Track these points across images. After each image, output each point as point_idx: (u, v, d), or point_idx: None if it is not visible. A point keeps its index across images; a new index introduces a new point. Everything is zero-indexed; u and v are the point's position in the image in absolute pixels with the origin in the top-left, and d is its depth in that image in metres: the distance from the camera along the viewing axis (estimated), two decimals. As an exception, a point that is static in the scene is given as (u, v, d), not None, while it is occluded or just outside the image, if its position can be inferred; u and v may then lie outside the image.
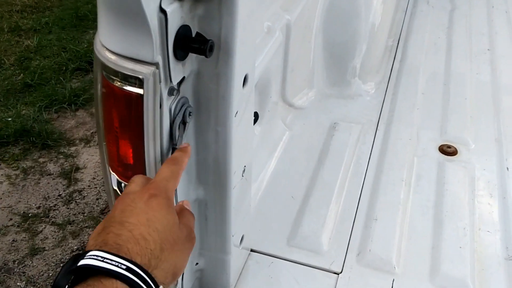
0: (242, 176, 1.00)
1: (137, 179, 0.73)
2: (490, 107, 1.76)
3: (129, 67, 0.71)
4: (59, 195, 3.01)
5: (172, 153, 0.81)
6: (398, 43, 2.13)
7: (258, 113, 1.37)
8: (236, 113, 0.86)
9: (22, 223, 2.81)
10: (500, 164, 1.51)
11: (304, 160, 1.50)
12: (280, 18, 1.45)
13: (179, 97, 0.81)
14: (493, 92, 1.84)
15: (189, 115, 0.83)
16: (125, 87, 0.73)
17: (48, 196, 2.99)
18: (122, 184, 0.84)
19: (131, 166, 0.81)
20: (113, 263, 0.56)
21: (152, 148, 0.76)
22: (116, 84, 0.73)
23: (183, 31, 0.73)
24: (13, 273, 2.56)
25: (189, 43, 0.74)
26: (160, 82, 0.73)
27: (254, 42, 0.89)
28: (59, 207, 2.93)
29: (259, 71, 1.30)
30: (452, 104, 1.76)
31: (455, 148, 1.56)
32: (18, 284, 2.52)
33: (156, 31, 0.68)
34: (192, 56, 0.78)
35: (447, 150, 1.55)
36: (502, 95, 1.83)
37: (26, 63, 4.17)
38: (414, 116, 1.69)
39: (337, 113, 1.70)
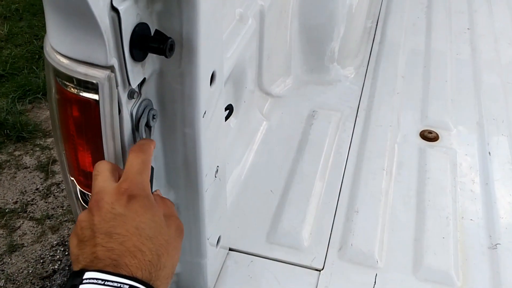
0: (215, 177, 0.95)
1: (103, 170, 0.67)
2: (471, 89, 1.73)
3: (82, 71, 0.65)
4: (37, 189, 2.93)
5: None
6: (377, 24, 2.08)
7: (233, 105, 1.32)
8: (205, 113, 0.81)
9: (-1, 219, 2.74)
10: (482, 149, 1.48)
11: (283, 151, 1.45)
12: (253, 4, 1.38)
13: (140, 99, 0.75)
14: (473, 73, 1.81)
15: (153, 118, 0.77)
16: (79, 93, 0.67)
17: (25, 190, 2.92)
18: (87, 195, 0.78)
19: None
20: (115, 284, 0.53)
21: (112, 156, 0.71)
22: (70, 90, 0.67)
23: (140, 29, 0.67)
24: (-8, 272, 2.50)
25: (147, 42, 0.68)
26: (117, 86, 0.67)
27: (222, 36, 0.83)
28: (37, 201, 2.86)
29: (232, 61, 1.24)
30: (433, 87, 1.73)
31: (437, 134, 1.53)
32: (-3, 282, 2.46)
33: (109, 32, 0.62)
34: (153, 56, 0.72)
35: (429, 136, 1.52)
36: (483, 76, 1.79)
37: (-2, 52, 4.05)
38: (394, 101, 1.65)
39: (315, 101, 1.65)
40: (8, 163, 3.10)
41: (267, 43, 1.53)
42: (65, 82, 0.67)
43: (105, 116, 0.67)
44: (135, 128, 0.75)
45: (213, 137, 0.88)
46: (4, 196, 2.89)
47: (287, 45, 1.68)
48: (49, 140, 3.23)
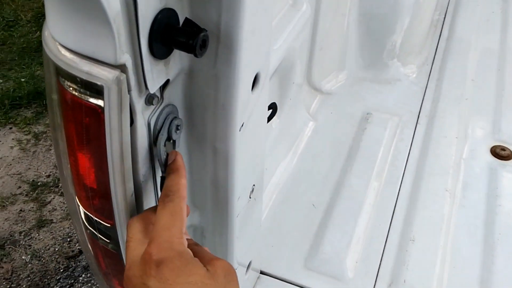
0: (250, 198, 0.78)
1: (134, 234, 0.56)
2: (553, 99, 1.50)
3: (84, 69, 0.49)
4: (70, 164, 2.86)
5: (161, 183, 0.60)
6: (444, 18, 1.84)
7: (277, 103, 1.14)
8: (242, 125, 0.64)
9: (31, 192, 2.69)
10: None
11: (329, 158, 1.27)
12: (309, -13, 1.20)
13: (162, 106, 0.59)
14: (557, 81, 1.57)
15: (177, 129, 0.61)
16: (80, 96, 0.51)
17: (59, 164, 2.86)
18: (89, 216, 0.63)
19: (96, 191, 0.60)
20: None
21: (119, 179, 0.55)
22: (71, 91, 0.52)
23: (164, 17, 0.50)
24: (19, 246, 2.45)
25: (172, 35, 0.51)
26: (129, 90, 0.51)
27: (270, 29, 0.66)
28: (69, 176, 2.79)
29: (280, 53, 1.07)
30: (508, 94, 1.50)
31: (511, 151, 1.31)
32: (23, 257, 2.41)
33: (119, 20, 0.46)
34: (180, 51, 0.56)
35: (501, 153, 1.31)
36: None
37: (43, 20, 3.94)
38: (462, 108, 1.43)
39: (370, 101, 1.45)
40: (44, 135, 3.05)
41: (321, 33, 1.35)
42: (65, 80, 0.52)
43: (111, 128, 0.51)
44: (153, 142, 0.59)
45: (251, 154, 0.71)
46: (37, 169, 2.84)
47: (343, 36, 1.49)
48: (87, 114, 3.16)
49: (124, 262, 0.65)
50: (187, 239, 0.57)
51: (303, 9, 1.16)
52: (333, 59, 1.49)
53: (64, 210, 2.64)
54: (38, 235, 2.51)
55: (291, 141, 1.29)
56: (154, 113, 0.58)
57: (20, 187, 2.72)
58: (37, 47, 3.69)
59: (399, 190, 1.20)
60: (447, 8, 1.89)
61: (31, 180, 2.75)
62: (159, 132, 0.59)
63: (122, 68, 0.49)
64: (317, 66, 1.41)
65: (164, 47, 0.52)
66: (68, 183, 0.64)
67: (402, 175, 1.24)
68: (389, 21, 1.54)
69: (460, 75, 1.56)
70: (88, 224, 0.65)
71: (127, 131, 0.53)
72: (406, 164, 1.27)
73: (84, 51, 0.49)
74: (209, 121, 0.63)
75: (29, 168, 2.84)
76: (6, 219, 2.55)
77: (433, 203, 1.16)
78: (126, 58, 0.48)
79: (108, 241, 0.64)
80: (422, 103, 1.46)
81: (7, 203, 2.61)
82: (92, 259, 0.72)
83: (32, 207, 2.62)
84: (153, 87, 0.54)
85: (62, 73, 0.52)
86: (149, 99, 0.55)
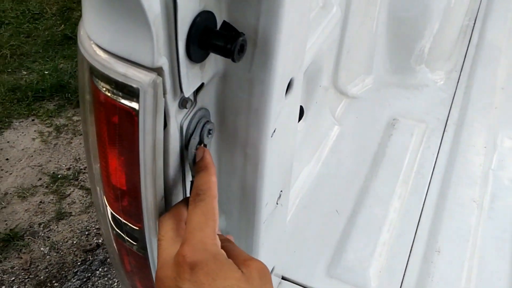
0: (277, 204, 0.77)
1: (166, 232, 0.55)
2: None
3: (120, 71, 0.48)
4: (90, 158, 2.88)
5: (190, 187, 0.58)
6: (474, 23, 1.80)
7: (303, 106, 1.13)
8: (274, 131, 0.63)
9: (51, 184, 2.71)
10: None
11: (354, 164, 1.25)
12: (340, -11, 1.18)
13: (195, 109, 0.58)
14: None
15: (209, 133, 0.60)
16: (115, 98, 0.50)
17: (79, 158, 2.88)
18: (116, 218, 0.63)
19: (125, 192, 0.59)
20: None
21: (150, 182, 0.54)
22: (104, 92, 0.51)
23: (202, 20, 0.49)
24: (38, 237, 2.48)
25: (209, 38, 0.50)
26: (165, 93, 0.50)
27: (307, 34, 0.64)
28: (89, 170, 2.81)
29: (309, 56, 1.05)
30: (539, 104, 1.46)
31: (541, 163, 1.28)
32: (41, 249, 2.43)
33: (159, 22, 0.45)
34: (215, 55, 0.55)
35: (531, 165, 1.27)
36: None
37: (68, 14, 4.03)
38: (491, 117, 1.40)
39: (397, 107, 1.43)
40: (65, 128, 3.08)
41: (349, 35, 1.32)
42: (99, 81, 0.51)
43: (145, 132, 0.50)
44: (185, 146, 0.58)
45: (281, 160, 0.70)
46: (58, 161, 2.86)
47: (371, 39, 1.46)
48: (108, 108, 3.18)
49: (151, 265, 0.65)
50: (218, 235, 0.56)
51: (333, 12, 1.14)
52: (360, 63, 1.46)
53: (83, 203, 2.65)
54: (57, 227, 2.53)
55: (316, 145, 1.28)
56: (187, 116, 0.57)
57: (40, 179, 2.74)
58: (61, 40, 3.73)
59: (425, 199, 1.18)
60: (477, 13, 1.85)
61: (51, 172, 2.78)
62: (191, 136, 0.58)
63: (158, 71, 0.48)
64: (344, 70, 1.38)
65: (201, 50, 0.51)
66: (97, 183, 0.63)
67: (428, 183, 1.21)
68: (418, 25, 1.51)
69: (490, 83, 1.53)
70: (115, 225, 0.65)
71: (160, 134, 0.52)
72: (432, 172, 1.24)
73: (120, 53, 0.48)
74: (241, 126, 0.62)
75: (50, 161, 2.86)
76: (26, 210, 2.58)
77: (460, 214, 1.13)
78: (163, 61, 0.47)
79: (135, 243, 0.64)
80: (450, 110, 1.43)
81: (27, 194, 2.64)
82: (116, 257, 0.71)
83: (52, 199, 2.64)
84: (188, 91, 0.53)
85: (96, 74, 0.51)
86: (183, 103, 0.54)
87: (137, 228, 0.61)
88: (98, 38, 0.49)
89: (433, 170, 1.25)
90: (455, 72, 1.58)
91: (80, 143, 3.01)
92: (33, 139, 2.98)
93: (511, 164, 1.28)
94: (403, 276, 1.02)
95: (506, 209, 1.16)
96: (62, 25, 3.88)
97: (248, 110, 0.60)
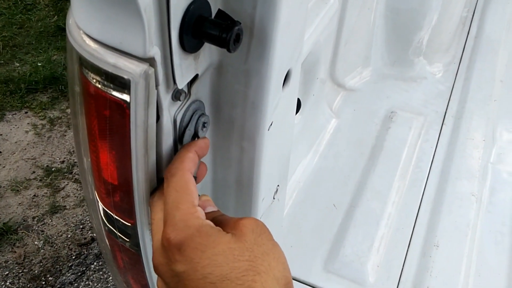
0: (274, 198, 0.75)
1: (156, 212, 0.53)
2: None
3: (110, 61, 0.46)
4: (84, 151, 2.85)
5: None
6: (473, 15, 1.78)
7: (301, 99, 1.11)
8: (271, 124, 0.61)
9: (45, 178, 2.69)
10: None
11: (352, 157, 1.23)
12: (338, -20, 1.15)
13: (189, 102, 0.56)
14: None
15: (203, 126, 0.58)
16: (105, 89, 0.48)
17: (73, 151, 2.85)
18: (108, 214, 0.61)
19: (117, 187, 0.57)
20: None
21: (142, 177, 0.52)
22: (93, 83, 0.49)
23: (196, 8, 0.47)
24: (32, 231, 2.45)
25: (204, 27, 0.48)
26: (157, 85, 0.48)
27: (305, 24, 0.62)
28: (83, 163, 2.78)
29: (306, 48, 1.03)
30: (538, 97, 1.45)
31: (541, 156, 1.26)
32: (35, 243, 2.41)
33: (150, 9, 0.42)
34: (210, 45, 0.53)
35: (530, 158, 1.26)
36: None
37: (61, 4, 3.98)
38: (490, 110, 1.38)
39: (395, 99, 1.41)
40: (59, 120, 3.05)
41: (347, 27, 1.30)
42: (88, 72, 0.49)
43: (136, 125, 0.48)
44: (178, 140, 0.56)
45: (278, 154, 0.68)
46: (52, 154, 2.83)
47: (369, 31, 1.44)
48: (102, 101, 3.15)
49: (144, 262, 0.63)
50: (210, 212, 0.54)
51: (330, 2, 1.12)
52: (358, 55, 1.44)
53: (77, 197, 2.63)
54: (51, 221, 2.51)
55: (313, 139, 1.26)
56: (181, 109, 0.55)
57: (34, 172, 2.72)
58: (55, 32, 3.68)
59: (423, 192, 1.16)
60: (476, 5, 1.82)
61: (45, 166, 2.75)
62: (185, 129, 0.56)
63: (150, 61, 0.45)
64: (341, 62, 1.36)
65: (195, 40, 0.49)
66: (87, 177, 0.61)
67: (426, 177, 1.20)
68: (416, 17, 1.49)
69: (489, 75, 1.51)
70: (107, 221, 0.63)
71: (153, 127, 0.50)
72: (431, 166, 1.23)
73: (110, 42, 0.46)
74: (237, 118, 0.60)
75: (44, 153, 2.83)
76: (20, 203, 2.55)
77: (458, 207, 1.12)
78: (155, 51, 0.45)
79: (127, 240, 0.62)
80: (448, 103, 1.41)
81: (21, 187, 2.61)
82: (108, 253, 0.69)
83: (46, 193, 2.62)
84: (182, 83, 0.51)
85: (85, 64, 0.49)
86: (176, 95, 0.52)
87: (129, 224, 0.59)
88: (87, 27, 0.47)
89: (432, 163, 1.23)
90: (454, 64, 1.56)
91: (74, 136, 2.98)
92: (27, 131, 2.95)
93: (510, 157, 1.26)
94: (401, 270, 1.01)
95: (504, 203, 1.15)
96: (56, 16, 3.84)
97: (245, 102, 0.58)
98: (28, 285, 2.26)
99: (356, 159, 1.24)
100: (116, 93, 0.48)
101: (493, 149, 1.29)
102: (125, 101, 0.48)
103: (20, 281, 2.26)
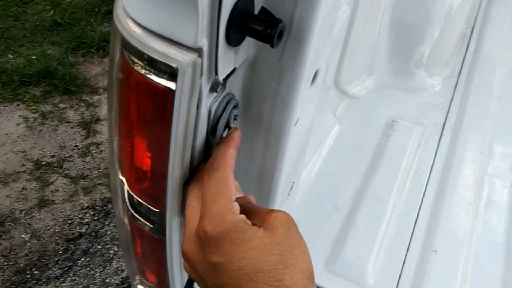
0: (289, 194, 0.77)
1: (192, 199, 0.56)
2: None
3: (159, 49, 0.48)
4: (76, 146, 2.84)
5: None
6: (472, 32, 1.83)
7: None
8: (297, 121, 0.63)
9: (34, 171, 2.67)
10: None
11: (353, 163, 1.26)
12: (349, -11, 1.19)
13: (223, 94, 0.58)
14: None
15: (235, 118, 0.60)
16: (150, 76, 0.50)
17: (64, 146, 2.83)
18: (135, 199, 0.62)
19: (149, 174, 0.59)
20: None
21: (178, 165, 0.54)
22: (138, 70, 0.51)
23: (243, 5, 0.49)
24: (19, 224, 2.43)
25: (249, 23, 0.50)
26: (201, 75, 0.50)
27: (334, 25, 0.65)
28: (74, 158, 2.77)
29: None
30: (533, 113, 1.50)
31: (534, 171, 1.31)
32: (22, 236, 2.39)
33: (205, 3, 0.45)
34: (248, 40, 0.55)
35: (524, 172, 1.30)
36: None
37: (57, -1, 3.97)
38: (487, 123, 1.43)
39: (396, 108, 1.44)
40: (51, 115, 3.02)
41: (354, 35, 1.34)
42: (133, 58, 0.51)
43: (179, 112, 0.50)
44: (211, 130, 0.58)
45: (299, 150, 0.70)
46: (42, 148, 2.81)
47: (373, 41, 1.48)
48: (96, 97, 3.14)
49: (167, 249, 0.64)
50: (237, 198, 0.56)
51: (342, 9, 1.15)
52: (362, 64, 1.48)
53: (66, 191, 2.61)
54: (39, 214, 2.49)
55: (316, 143, 1.28)
56: (216, 100, 0.57)
57: (23, 165, 2.69)
58: (50, 26, 3.66)
59: (422, 199, 1.19)
60: (475, 22, 1.88)
61: (35, 159, 2.73)
62: (218, 119, 0.58)
63: (199, 52, 0.48)
64: (345, 70, 1.40)
65: (238, 34, 0.51)
66: (116, 162, 0.63)
67: (425, 185, 1.23)
68: (419, 30, 1.53)
69: (486, 90, 1.56)
70: (131, 207, 0.64)
71: (193, 116, 0.52)
72: (429, 174, 1.26)
73: (160, 31, 0.48)
74: (265, 113, 0.62)
75: (34, 147, 2.81)
76: (7, 196, 2.53)
77: (456, 216, 1.15)
78: (204, 42, 0.47)
79: (151, 226, 0.63)
80: (447, 115, 1.45)
81: (9, 180, 2.59)
82: (128, 239, 0.70)
83: (35, 186, 2.60)
84: (223, 74, 0.53)
85: (131, 51, 0.51)
86: (214, 86, 0.54)
87: (157, 210, 0.60)
88: (138, 15, 0.49)
89: (430, 172, 1.27)
90: (453, 78, 1.60)
91: (66, 131, 2.96)
92: (18, 124, 2.92)
93: (506, 170, 1.30)
94: (400, 273, 1.04)
95: (500, 213, 1.19)
96: (52, 11, 3.82)
97: (275, 98, 0.60)
98: (13, 278, 2.24)
99: (358, 164, 1.27)
100: (161, 80, 0.50)
101: (490, 162, 1.33)
102: (170, 88, 0.49)
103: (5, 273, 2.24)
